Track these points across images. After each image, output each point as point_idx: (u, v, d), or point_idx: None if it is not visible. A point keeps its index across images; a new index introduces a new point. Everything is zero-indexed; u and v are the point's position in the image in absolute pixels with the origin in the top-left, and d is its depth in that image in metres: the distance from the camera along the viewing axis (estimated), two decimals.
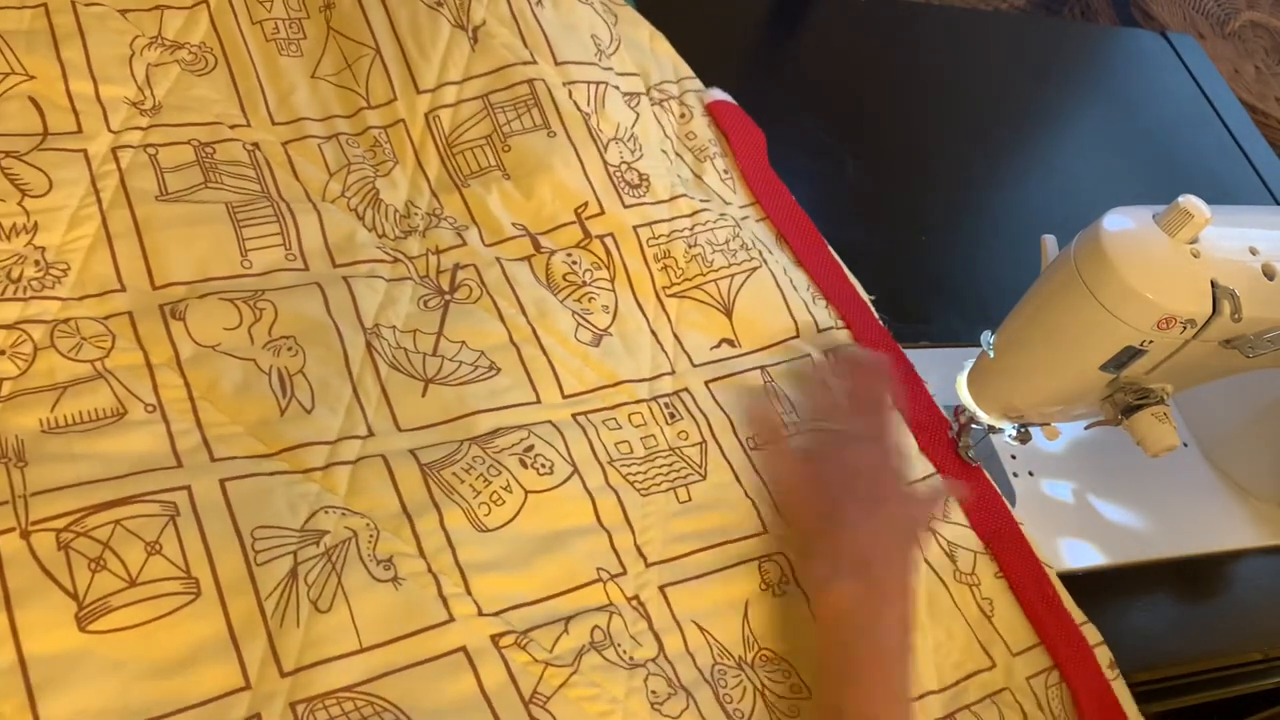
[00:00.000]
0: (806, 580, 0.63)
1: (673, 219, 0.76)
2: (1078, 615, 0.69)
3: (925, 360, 0.79)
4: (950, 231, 0.93)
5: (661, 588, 0.61)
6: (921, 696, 0.63)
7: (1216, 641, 0.76)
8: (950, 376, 0.74)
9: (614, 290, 0.72)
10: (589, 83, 0.77)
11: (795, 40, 1.01)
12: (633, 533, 0.63)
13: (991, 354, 0.69)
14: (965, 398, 0.71)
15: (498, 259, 0.70)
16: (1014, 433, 0.73)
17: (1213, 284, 0.59)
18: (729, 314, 0.74)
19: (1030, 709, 0.65)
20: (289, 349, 0.61)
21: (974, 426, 0.73)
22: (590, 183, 0.74)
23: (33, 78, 0.65)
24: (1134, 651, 0.73)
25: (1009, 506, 0.73)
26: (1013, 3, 1.97)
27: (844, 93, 0.99)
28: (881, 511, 0.61)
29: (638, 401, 0.68)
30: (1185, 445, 0.85)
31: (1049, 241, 0.68)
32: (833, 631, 0.58)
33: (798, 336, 0.75)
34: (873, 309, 0.79)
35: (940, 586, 0.68)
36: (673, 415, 0.68)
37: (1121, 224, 0.61)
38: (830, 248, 0.81)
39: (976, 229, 0.94)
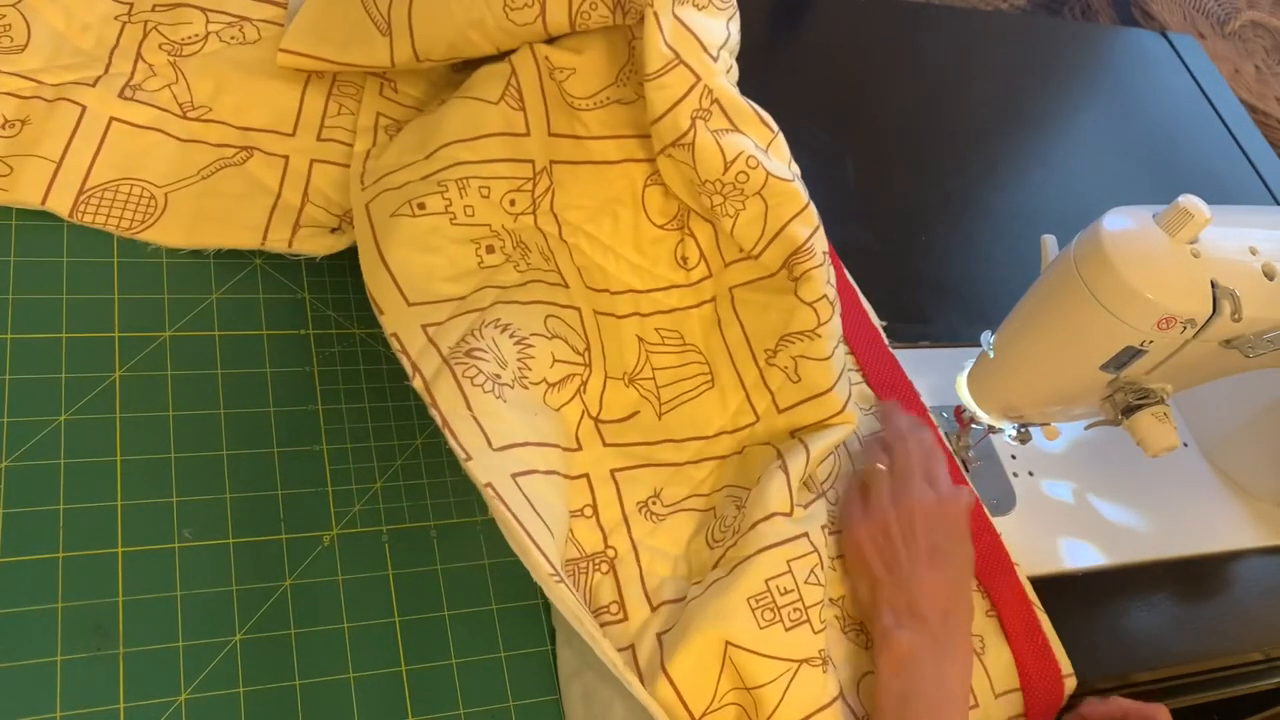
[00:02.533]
0: (872, 628, 0.63)
1: None
2: (1065, 665, 0.68)
3: (925, 360, 0.79)
4: (950, 231, 0.93)
5: None
6: None
7: (1216, 641, 0.76)
8: (950, 376, 0.74)
9: None
10: None
11: (795, 40, 1.01)
12: None
13: (991, 354, 0.69)
14: (965, 398, 0.71)
15: None
16: (1014, 433, 0.73)
17: (1213, 284, 0.59)
18: None
19: None
20: None
21: (974, 426, 0.73)
22: None
23: None
24: (1134, 651, 0.73)
25: (1004, 546, 0.72)
26: (1013, 3, 1.97)
27: (844, 93, 0.99)
28: (939, 561, 0.63)
29: None
30: (1185, 445, 0.85)
31: (1049, 241, 0.68)
32: (894, 680, 0.59)
33: None
34: (884, 335, 0.79)
35: None
36: None
37: (1121, 224, 0.61)
38: (849, 275, 0.81)
39: (976, 229, 0.94)
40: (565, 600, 0.53)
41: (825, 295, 0.67)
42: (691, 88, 0.64)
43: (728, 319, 0.71)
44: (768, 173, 0.66)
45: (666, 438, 0.68)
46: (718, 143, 0.65)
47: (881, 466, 0.67)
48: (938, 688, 0.59)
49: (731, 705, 0.58)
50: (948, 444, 0.75)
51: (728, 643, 0.58)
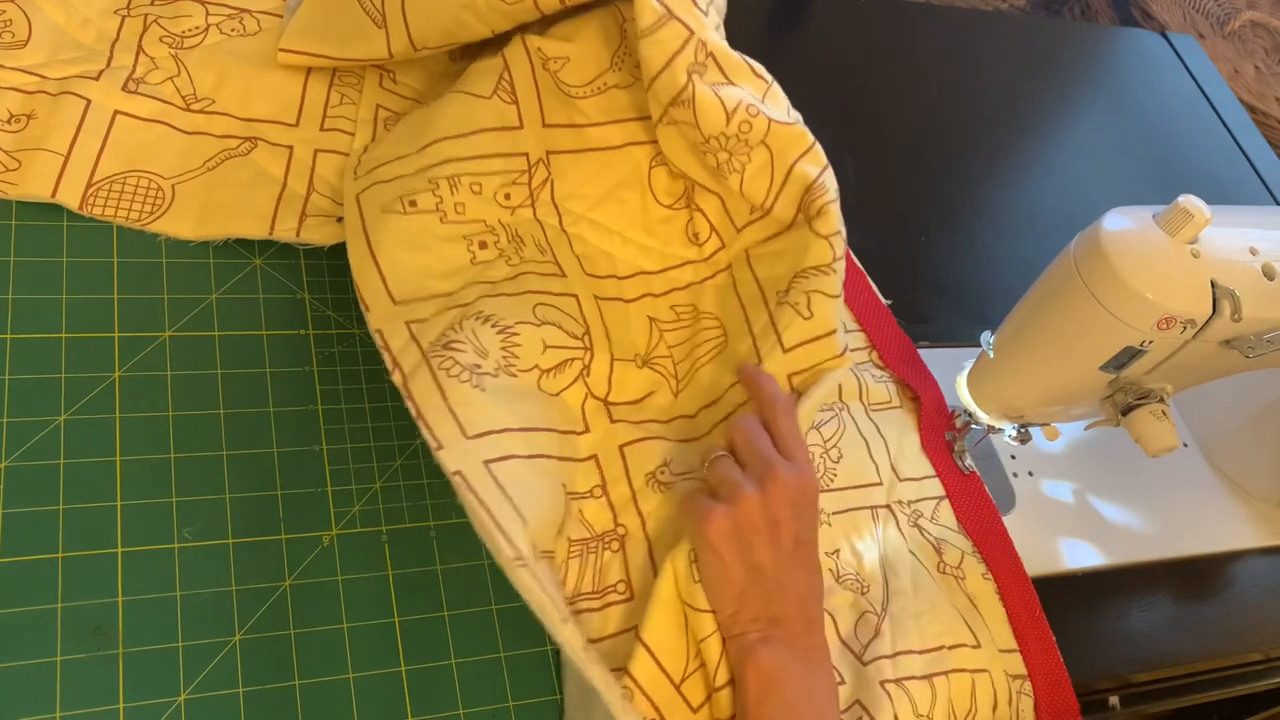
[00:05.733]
0: (728, 639, 0.57)
1: None
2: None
3: (925, 360, 0.79)
4: (950, 231, 0.93)
5: None
6: (893, 655, 0.63)
7: (1216, 641, 0.76)
8: (950, 376, 0.74)
9: None
10: None
11: (795, 40, 1.01)
12: None
13: (991, 354, 0.69)
14: (965, 398, 0.71)
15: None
16: (1014, 433, 0.72)
17: (1213, 284, 0.59)
18: None
19: (1001, 701, 0.65)
20: None
21: (974, 427, 0.73)
22: None
23: None
24: (1134, 651, 0.73)
25: (1002, 519, 0.73)
26: (1013, 3, 1.97)
27: (844, 93, 0.99)
28: (803, 557, 0.58)
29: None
30: (1185, 445, 0.85)
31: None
32: (763, 700, 0.54)
33: None
34: (891, 314, 0.79)
35: (924, 572, 0.68)
36: None
37: (1121, 224, 0.61)
38: (851, 251, 0.81)
39: (976, 229, 0.94)
40: (526, 586, 0.52)
41: (839, 231, 0.67)
42: (685, 42, 0.64)
43: (743, 277, 0.71)
44: (769, 119, 0.66)
45: (681, 414, 0.68)
46: (717, 95, 0.65)
47: (722, 453, 0.60)
48: (809, 704, 0.54)
49: (704, 665, 0.58)
50: (950, 444, 0.75)
51: (681, 599, 0.58)
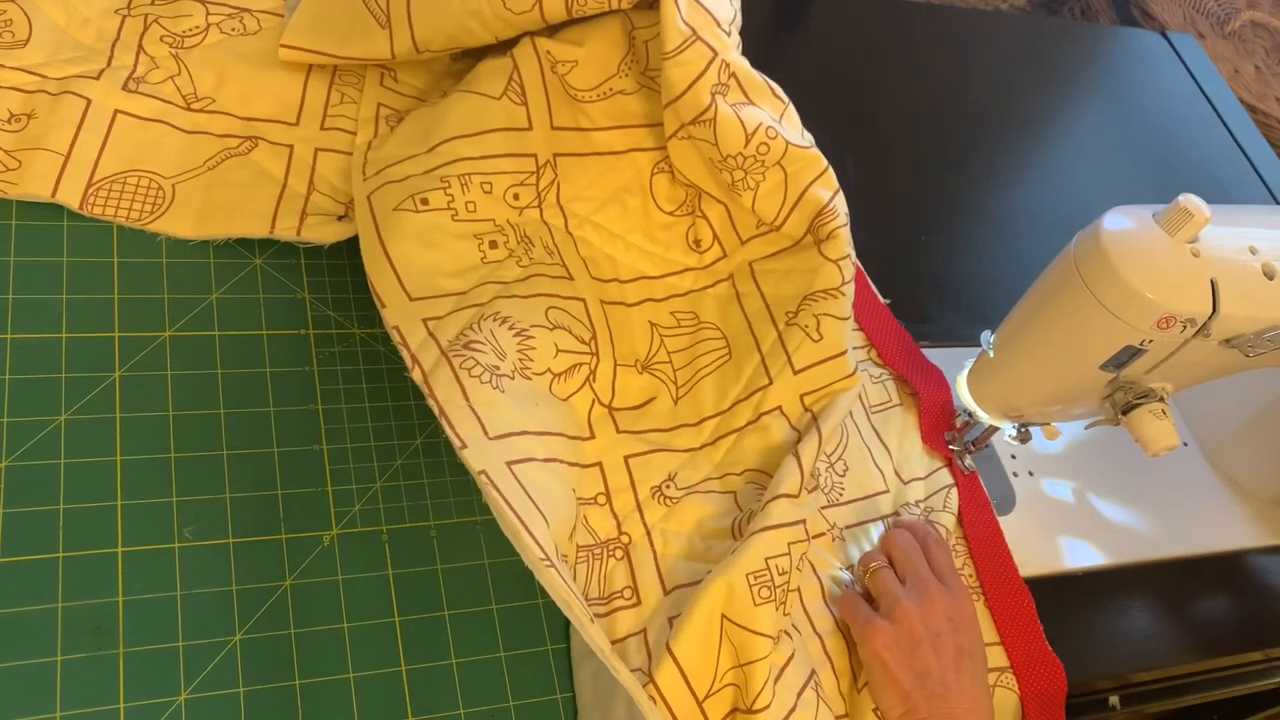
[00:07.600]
0: None
1: None
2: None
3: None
4: (950, 231, 0.93)
5: None
6: None
7: (1216, 641, 0.76)
8: (950, 376, 0.74)
9: None
10: None
11: (795, 39, 1.01)
12: None
13: (991, 353, 0.69)
14: (965, 397, 0.71)
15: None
16: (1014, 433, 0.73)
17: (1213, 283, 0.59)
18: None
19: None
20: None
21: (973, 426, 0.73)
22: None
23: None
24: (1134, 651, 0.73)
25: (995, 515, 0.73)
26: (1013, 2, 1.97)
27: (844, 93, 0.99)
28: (966, 666, 0.61)
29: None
30: (1185, 445, 0.85)
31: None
32: None
33: None
34: (890, 313, 0.79)
35: None
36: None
37: (1121, 224, 0.61)
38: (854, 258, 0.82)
39: (976, 229, 0.94)
40: (555, 585, 0.53)
41: (848, 255, 0.69)
42: (710, 63, 0.65)
43: (748, 291, 0.72)
44: (787, 142, 0.67)
45: (682, 423, 0.68)
46: (738, 116, 0.66)
47: (882, 563, 0.65)
48: None
49: (730, 686, 0.58)
50: (951, 448, 0.75)
51: (724, 616, 0.58)
